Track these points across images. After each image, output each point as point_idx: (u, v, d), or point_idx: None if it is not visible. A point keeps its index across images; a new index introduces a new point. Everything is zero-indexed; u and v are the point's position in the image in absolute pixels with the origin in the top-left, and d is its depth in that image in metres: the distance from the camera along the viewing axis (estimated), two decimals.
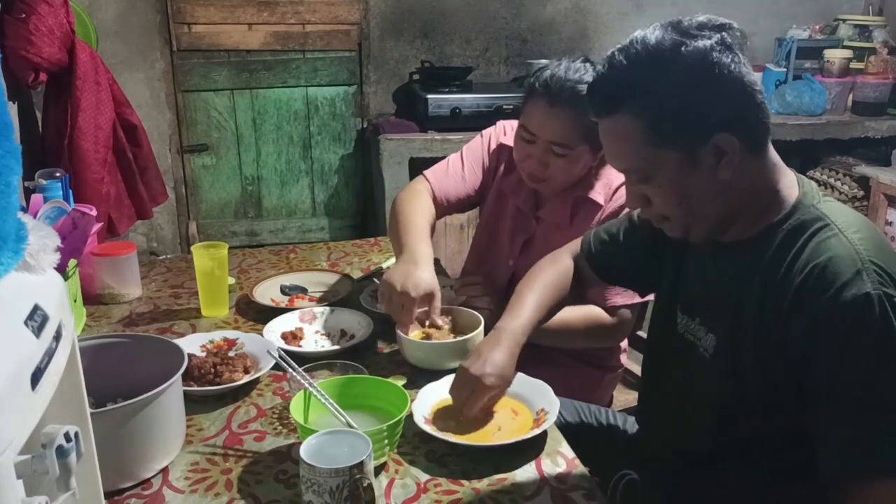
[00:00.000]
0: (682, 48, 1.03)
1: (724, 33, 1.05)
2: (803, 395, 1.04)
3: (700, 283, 1.21)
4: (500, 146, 1.79)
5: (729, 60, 1.03)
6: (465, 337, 1.43)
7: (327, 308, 1.65)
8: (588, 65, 1.60)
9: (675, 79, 1.04)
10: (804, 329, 1.01)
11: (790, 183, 1.11)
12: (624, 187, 1.65)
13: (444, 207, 1.78)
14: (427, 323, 1.49)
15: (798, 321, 1.02)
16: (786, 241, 1.07)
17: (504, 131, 1.80)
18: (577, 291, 1.47)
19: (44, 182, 1.73)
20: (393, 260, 1.71)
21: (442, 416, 1.29)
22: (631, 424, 1.54)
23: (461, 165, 1.80)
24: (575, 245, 1.48)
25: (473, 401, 1.25)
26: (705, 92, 1.03)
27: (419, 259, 1.50)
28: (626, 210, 1.60)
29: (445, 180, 1.78)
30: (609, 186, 1.67)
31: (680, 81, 1.04)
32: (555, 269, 1.45)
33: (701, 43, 1.03)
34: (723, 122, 1.04)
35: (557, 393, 1.33)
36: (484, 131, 1.84)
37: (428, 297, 1.45)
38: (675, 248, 1.26)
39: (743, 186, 1.08)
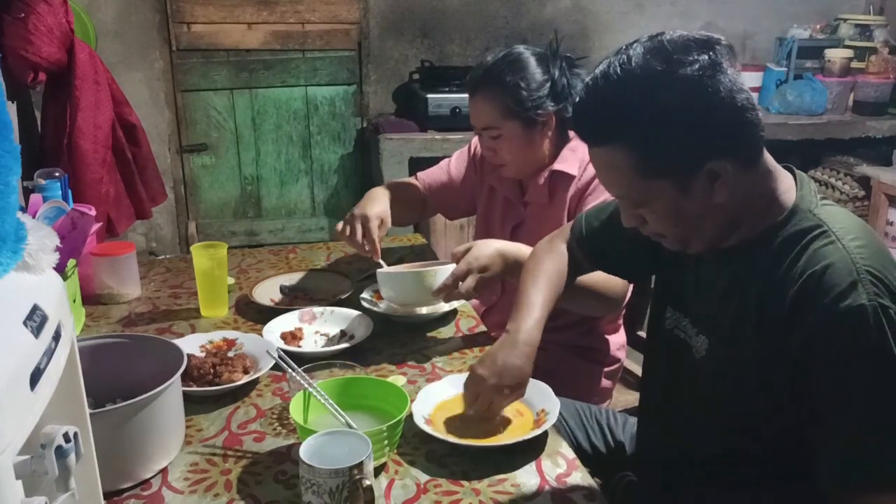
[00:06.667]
0: (669, 76, 0.99)
1: (711, 53, 1.00)
2: (800, 401, 1.03)
3: (694, 283, 1.20)
4: None
5: (719, 85, 0.99)
6: (432, 268, 1.54)
7: (327, 308, 1.65)
8: (513, 50, 1.70)
9: (664, 112, 0.99)
10: (802, 338, 1.00)
11: (787, 187, 1.09)
12: None
13: (432, 197, 1.95)
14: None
15: (796, 330, 1.01)
16: (783, 249, 1.05)
17: None
18: (573, 277, 1.45)
19: (43, 182, 1.73)
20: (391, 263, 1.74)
21: (442, 417, 1.28)
22: (631, 425, 1.54)
23: (448, 163, 1.98)
24: (566, 230, 1.47)
25: (480, 403, 1.25)
26: (696, 123, 1.00)
27: (375, 195, 1.80)
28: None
29: (432, 173, 1.98)
30: (582, 160, 1.73)
31: (669, 114, 0.99)
32: (553, 260, 1.42)
33: (689, 70, 0.98)
34: (716, 149, 1.01)
35: (553, 388, 1.33)
36: (472, 140, 1.97)
37: (380, 218, 1.71)
38: None
39: (739, 201, 1.06)
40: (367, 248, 1.69)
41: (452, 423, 1.26)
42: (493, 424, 1.27)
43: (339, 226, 1.74)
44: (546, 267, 1.41)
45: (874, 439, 0.96)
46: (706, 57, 0.99)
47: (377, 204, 1.76)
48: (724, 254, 1.12)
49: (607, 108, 1.04)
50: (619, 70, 1.02)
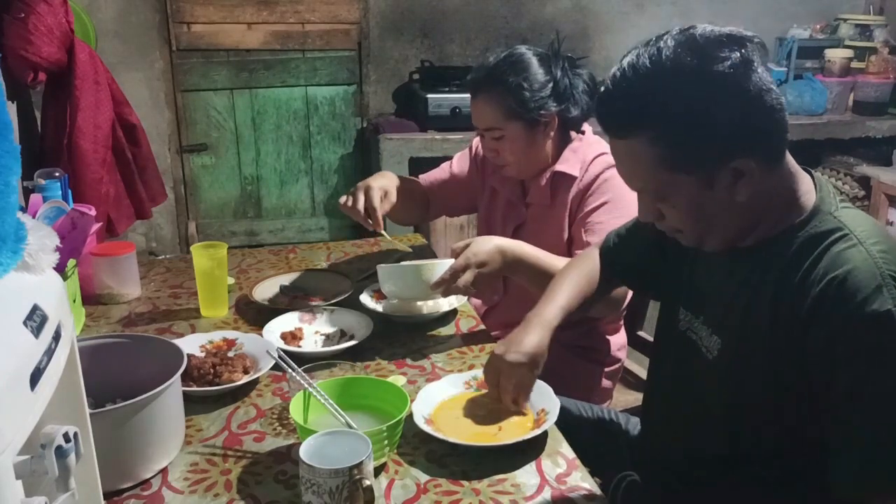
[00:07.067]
0: (701, 72, 0.98)
1: (743, 50, 0.99)
2: (810, 403, 1.03)
3: (707, 282, 1.20)
4: None
5: (749, 83, 0.98)
6: (432, 262, 1.56)
7: (327, 308, 1.65)
8: (515, 50, 1.71)
9: (693, 107, 0.99)
10: (821, 341, 0.99)
11: (807, 188, 1.09)
12: (598, 159, 1.70)
13: (434, 195, 1.97)
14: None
15: (815, 332, 1.00)
16: (803, 250, 1.04)
17: None
18: (604, 285, 1.47)
19: (43, 182, 1.73)
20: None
21: (442, 417, 1.28)
22: (632, 425, 1.54)
23: (449, 164, 2.00)
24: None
25: (504, 382, 1.28)
26: (725, 119, 0.99)
27: (382, 173, 1.84)
28: (604, 179, 1.68)
29: (433, 173, 2.00)
30: (584, 161, 1.73)
31: (698, 110, 0.99)
32: (586, 264, 1.47)
33: (721, 67, 0.98)
34: (742, 147, 1.01)
35: (553, 388, 1.33)
36: (473, 140, 1.98)
37: (383, 190, 1.74)
38: (683, 246, 1.25)
39: (760, 201, 1.05)
40: (368, 220, 1.70)
41: (452, 423, 1.26)
42: (491, 424, 1.27)
43: (342, 199, 1.76)
44: (579, 268, 1.46)
45: (890, 445, 0.95)
46: (738, 54, 0.99)
47: (382, 178, 1.79)
48: (740, 253, 1.12)
49: (636, 100, 1.03)
50: (648, 62, 1.01)
